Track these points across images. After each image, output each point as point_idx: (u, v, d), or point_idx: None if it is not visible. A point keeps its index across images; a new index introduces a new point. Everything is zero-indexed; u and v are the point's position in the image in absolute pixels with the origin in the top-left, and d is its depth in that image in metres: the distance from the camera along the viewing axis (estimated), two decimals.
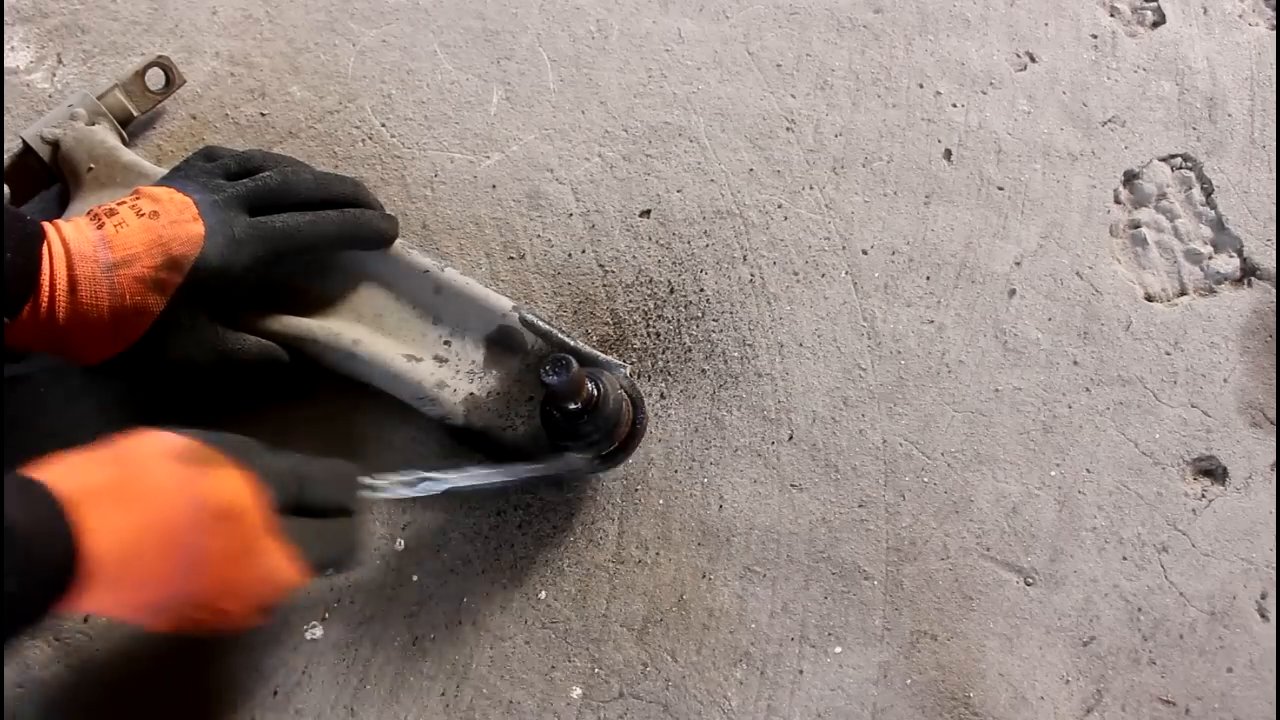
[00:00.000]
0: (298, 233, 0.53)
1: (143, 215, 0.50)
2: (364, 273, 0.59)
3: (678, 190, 0.68)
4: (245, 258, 0.51)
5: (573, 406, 0.50)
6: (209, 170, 0.55)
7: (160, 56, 0.63)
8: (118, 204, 0.51)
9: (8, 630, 0.36)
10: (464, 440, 0.58)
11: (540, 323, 0.58)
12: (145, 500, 0.39)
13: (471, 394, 0.57)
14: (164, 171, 0.59)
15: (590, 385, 0.51)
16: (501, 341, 0.58)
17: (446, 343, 0.58)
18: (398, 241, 0.59)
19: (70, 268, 0.47)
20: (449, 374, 0.57)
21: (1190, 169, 0.74)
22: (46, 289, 0.46)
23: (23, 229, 0.46)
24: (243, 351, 0.53)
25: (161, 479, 0.40)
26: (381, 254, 0.58)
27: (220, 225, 0.51)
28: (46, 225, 0.48)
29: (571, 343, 0.58)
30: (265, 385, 0.56)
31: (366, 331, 0.57)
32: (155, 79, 0.63)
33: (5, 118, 0.63)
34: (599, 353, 0.58)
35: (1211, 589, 0.63)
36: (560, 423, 0.52)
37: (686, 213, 0.68)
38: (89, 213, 0.50)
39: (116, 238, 0.49)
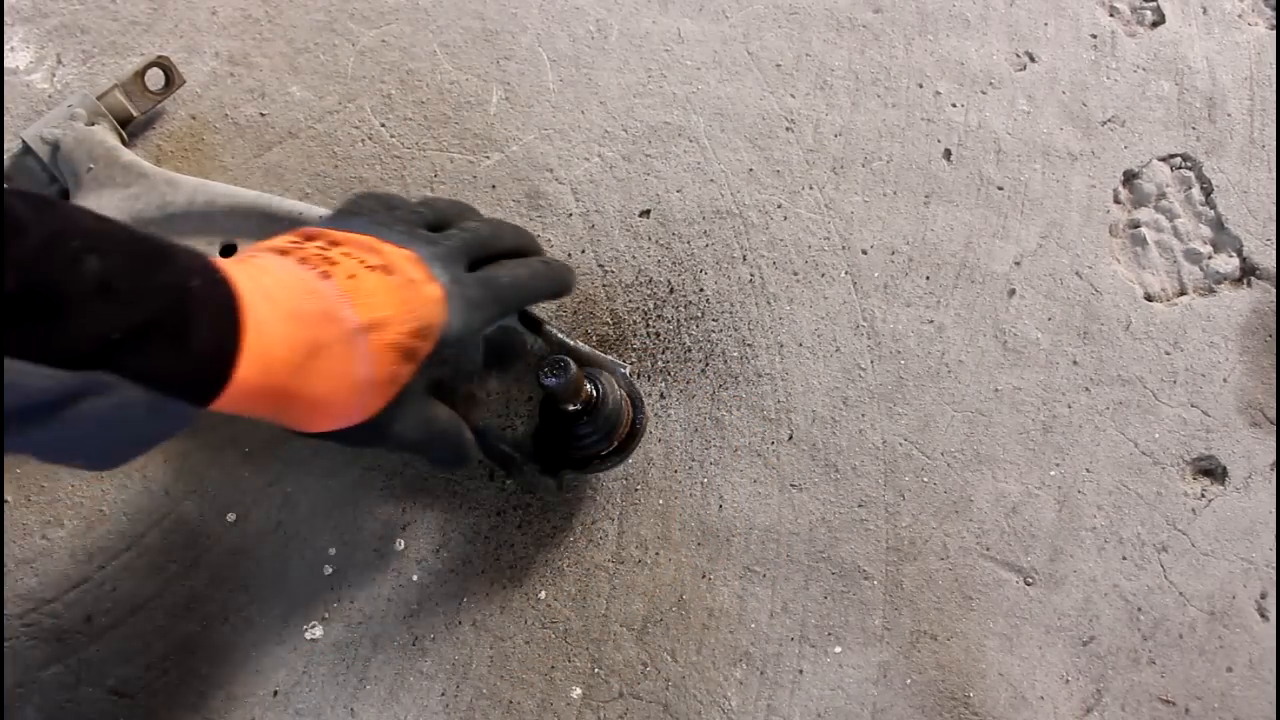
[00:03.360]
0: (522, 290, 0.49)
1: (373, 269, 0.42)
2: None
3: (677, 190, 0.68)
4: (479, 321, 0.46)
5: (572, 408, 0.50)
6: (401, 218, 0.48)
7: (160, 57, 0.63)
8: (322, 247, 0.43)
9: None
10: None
11: (540, 323, 0.58)
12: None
13: (471, 394, 0.57)
14: (166, 172, 0.59)
15: (589, 386, 0.51)
16: (501, 341, 0.58)
17: None
18: None
19: (310, 328, 0.38)
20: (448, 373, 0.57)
21: (1190, 169, 0.74)
22: (259, 353, 0.36)
23: (211, 289, 0.35)
24: (441, 424, 0.48)
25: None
26: None
27: (455, 286, 0.45)
28: (228, 272, 0.37)
29: (571, 343, 0.58)
30: None
31: None
32: (155, 79, 0.63)
33: (5, 118, 0.63)
34: (598, 352, 0.58)
35: (1211, 589, 0.63)
36: (559, 423, 0.52)
37: (686, 213, 0.68)
38: (282, 251, 0.42)
39: (359, 295, 0.41)
